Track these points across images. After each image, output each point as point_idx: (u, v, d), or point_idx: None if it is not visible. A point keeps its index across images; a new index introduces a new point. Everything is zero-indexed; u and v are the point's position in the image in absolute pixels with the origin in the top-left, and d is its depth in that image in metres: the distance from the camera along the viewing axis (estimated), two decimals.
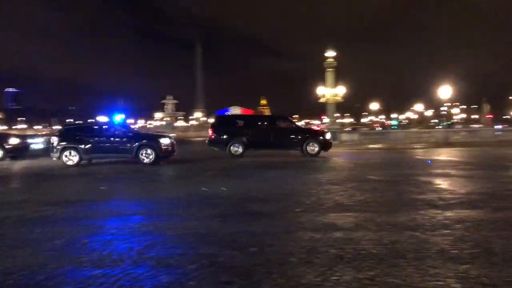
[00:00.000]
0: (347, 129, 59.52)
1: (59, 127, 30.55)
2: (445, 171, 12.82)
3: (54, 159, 16.68)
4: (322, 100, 35.46)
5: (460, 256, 4.56)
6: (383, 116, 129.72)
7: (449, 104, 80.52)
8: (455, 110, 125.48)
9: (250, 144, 19.62)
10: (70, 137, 16.73)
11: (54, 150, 16.58)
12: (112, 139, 16.74)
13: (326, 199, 8.11)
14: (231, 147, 19.47)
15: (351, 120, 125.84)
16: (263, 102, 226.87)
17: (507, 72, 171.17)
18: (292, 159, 18.41)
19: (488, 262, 4.34)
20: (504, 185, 9.68)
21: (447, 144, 27.76)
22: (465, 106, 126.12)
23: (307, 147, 19.36)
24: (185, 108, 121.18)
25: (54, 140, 16.81)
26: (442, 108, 34.28)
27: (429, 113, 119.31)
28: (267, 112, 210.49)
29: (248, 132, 19.80)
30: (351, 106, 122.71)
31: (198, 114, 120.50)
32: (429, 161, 16.48)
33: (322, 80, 35.47)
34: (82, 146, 16.40)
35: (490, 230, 5.56)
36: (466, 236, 5.31)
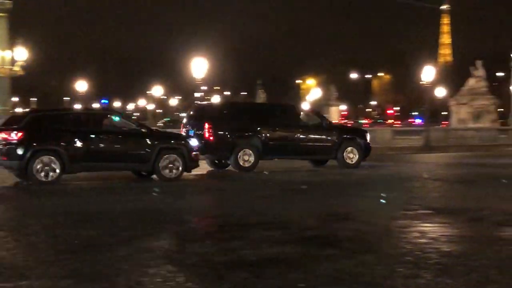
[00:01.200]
0: None
1: None
2: None
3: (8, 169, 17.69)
4: None
5: None
6: (97, 105, 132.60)
7: (206, 88, 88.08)
8: (215, 98, 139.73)
9: (266, 149, 21.62)
10: (45, 132, 17.44)
11: (16, 154, 16.74)
12: (115, 137, 18.32)
13: None
14: (240, 155, 21.02)
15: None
16: None
17: (290, 47, 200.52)
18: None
19: None
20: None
21: None
22: (229, 93, 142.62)
23: (345, 153, 22.57)
24: None
25: (13, 137, 16.96)
26: (196, 95, 36.96)
27: (175, 101, 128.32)
28: None
29: (263, 132, 21.78)
30: (42, 84, 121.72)
31: None
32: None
33: None
34: (68, 150, 17.00)
35: None
36: None
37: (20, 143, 16.66)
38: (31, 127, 17.31)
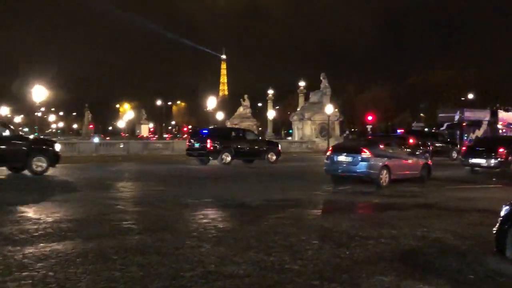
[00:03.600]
0: None
1: None
2: (33, 194, 13.03)
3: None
4: None
5: None
6: None
7: (44, 109, 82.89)
8: (52, 117, 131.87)
9: None
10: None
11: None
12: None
13: None
14: None
15: None
16: None
17: (111, 79, 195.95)
18: None
19: None
20: (99, 208, 10.79)
21: None
22: (62, 113, 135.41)
23: None
24: None
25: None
26: (37, 114, 34.38)
27: (19, 119, 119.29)
28: None
29: None
30: None
31: None
32: None
33: None
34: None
35: (78, 266, 6.00)
36: (48, 277, 5.53)
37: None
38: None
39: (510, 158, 21.15)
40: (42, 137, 22.66)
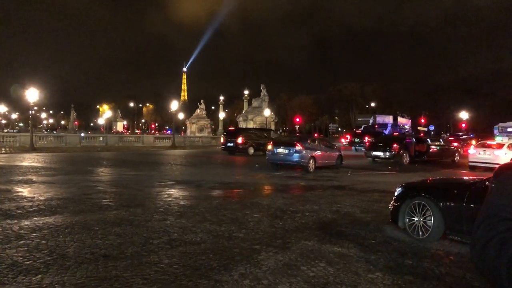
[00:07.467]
0: None
1: None
2: (28, 178, 12.40)
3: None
4: None
5: (33, 267, 4.45)
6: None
7: (36, 108, 78.87)
8: (43, 115, 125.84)
9: None
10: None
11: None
12: None
13: None
14: None
15: None
16: None
17: (92, 84, 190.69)
18: None
19: (62, 267, 4.47)
20: (83, 189, 10.41)
21: (33, 149, 26.92)
22: (52, 112, 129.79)
23: None
24: None
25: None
26: (31, 112, 32.55)
27: (15, 116, 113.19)
28: None
29: None
30: None
31: None
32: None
33: None
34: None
35: (66, 235, 5.78)
36: (41, 244, 5.27)
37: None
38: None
39: (401, 151, 21.94)
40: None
